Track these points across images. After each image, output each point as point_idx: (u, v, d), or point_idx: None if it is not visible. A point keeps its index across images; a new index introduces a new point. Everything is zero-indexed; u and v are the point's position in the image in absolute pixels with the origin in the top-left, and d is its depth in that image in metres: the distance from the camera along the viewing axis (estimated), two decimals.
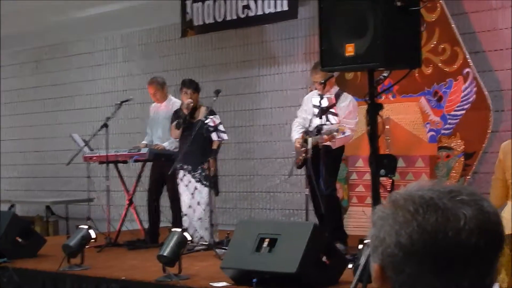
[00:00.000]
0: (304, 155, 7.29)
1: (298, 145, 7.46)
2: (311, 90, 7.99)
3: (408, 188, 1.44)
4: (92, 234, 7.24)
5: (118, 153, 8.92)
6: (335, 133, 7.08)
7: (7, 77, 13.51)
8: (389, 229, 1.39)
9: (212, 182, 8.02)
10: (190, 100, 8.26)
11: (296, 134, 7.66)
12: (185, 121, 8.26)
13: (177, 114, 8.43)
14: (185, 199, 8.25)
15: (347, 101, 7.52)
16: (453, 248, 1.34)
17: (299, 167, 7.52)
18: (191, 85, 8.39)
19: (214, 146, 8.09)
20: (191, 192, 8.20)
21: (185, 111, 8.29)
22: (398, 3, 5.27)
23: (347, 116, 7.39)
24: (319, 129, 7.11)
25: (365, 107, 5.41)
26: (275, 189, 9.85)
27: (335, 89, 7.61)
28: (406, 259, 1.37)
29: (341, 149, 7.62)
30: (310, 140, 7.23)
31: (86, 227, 7.33)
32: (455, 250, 1.34)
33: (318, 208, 7.47)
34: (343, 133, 7.11)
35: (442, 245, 1.35)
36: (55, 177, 12.52)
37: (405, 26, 5.35)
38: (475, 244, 1.34)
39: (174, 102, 9.01)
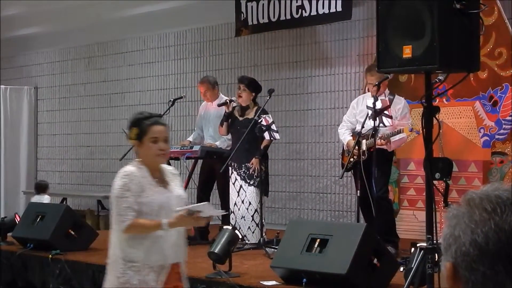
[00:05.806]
0: (355, 157, 7.24)
1: (353, 149, 7.38)
2: (364, 92, 7.96)
3: (484, 188, 1.43)
4: None
5: (171, 150, 8.94)
6: (397, 135, 7.09)
7: (59, 73, 13.70)
8: (464, 227, 1.39)
9: (256, 181, 8.02)
10: (232, 98, 8.30)
11: (347, 136, 7.62)
12: (227, 118, 8.29)
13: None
14: (232, 197, 8.29)
15: (401, 103, 7.47)
16: None
17: (348, 169, 7.45)
18: (243, 81, 8.36)
19: (262, 146, 8.08)
20: (237, 190, 8.23)
21: (225, 108, 8.33)
22: (457, 6, 5.22)
23: (402, 119, 7.35)
24: (374, 132, 7.06)
25: (419, 109, 5.36)
26: (325, 190, 9.82)
27: (387, 91, 7.57)
28: (481, 258, 1.36)
29: (393, 151, 7.59)
30: (364, 142, 7.20)
31: None
32: None
33: (367, 211, 7.40)
34: (399, 132, 7.11)
35: None
36: (105, 172, 12.66)
37: (464, 28, 5.29)
38: None
39: None
